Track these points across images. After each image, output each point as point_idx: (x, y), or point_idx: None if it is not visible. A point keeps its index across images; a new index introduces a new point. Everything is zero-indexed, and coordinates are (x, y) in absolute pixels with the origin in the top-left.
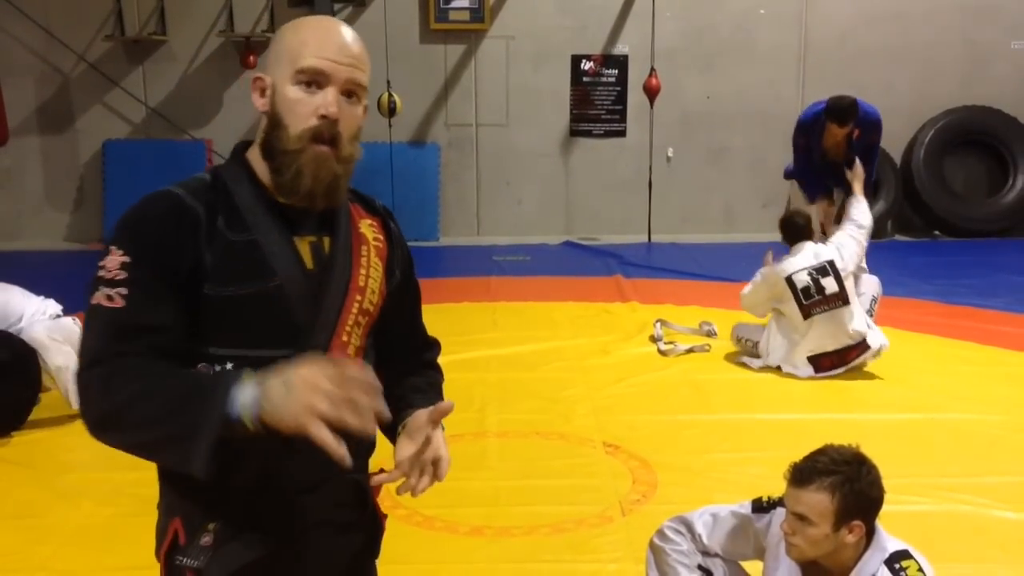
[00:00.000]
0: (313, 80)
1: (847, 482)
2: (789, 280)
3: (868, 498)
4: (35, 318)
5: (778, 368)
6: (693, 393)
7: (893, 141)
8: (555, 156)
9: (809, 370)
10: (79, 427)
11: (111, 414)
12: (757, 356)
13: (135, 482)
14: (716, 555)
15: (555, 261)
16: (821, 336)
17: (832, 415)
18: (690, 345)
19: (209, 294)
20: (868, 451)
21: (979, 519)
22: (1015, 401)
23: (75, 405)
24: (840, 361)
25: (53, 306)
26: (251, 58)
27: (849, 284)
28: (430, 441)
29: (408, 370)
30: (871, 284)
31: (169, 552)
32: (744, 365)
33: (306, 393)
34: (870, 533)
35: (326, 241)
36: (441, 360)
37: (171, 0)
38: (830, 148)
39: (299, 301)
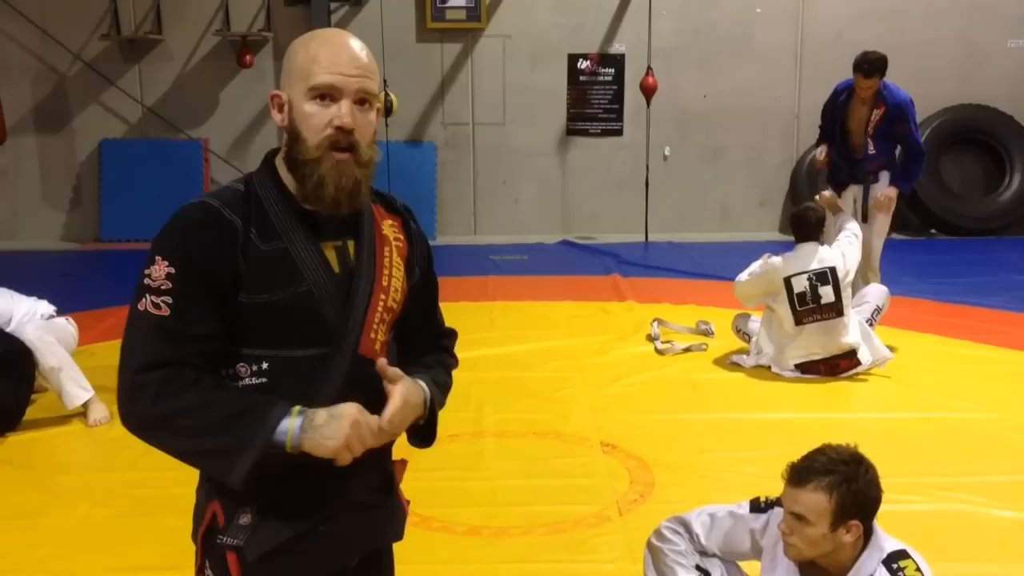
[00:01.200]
0: (327, 94)
1: (845, 482)
2: (787, 281)
3: (866, 498)
4: (24, 319)
5: (768, 367)
6: (690, 392)
7: None
8: (552, 155)
9: (796, 373)
10: (75, 428)
11: (162, 419)
12: (747, 353)
13: (131, 483)
14: (714, 555)
15: (552, 260)
16: (810, 345)
17: (829, 414)
18: (687, 344)
19: (244, 301)
20: (865, 450)
21: (976, 518)
22: (1012, 400)
23: (74, 403)
24: (829, 371)
25: (46, 307)
26: (247, 57)
27: (846, 295)
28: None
29: (424, 354)
30: (877, 294)
31: (207, 533)
32: (737, 365)
33: (350, 425)
34: (868, 533)
35: (351, 245)
36: None
37: None
38: (854, 126)
39: (328, 304)
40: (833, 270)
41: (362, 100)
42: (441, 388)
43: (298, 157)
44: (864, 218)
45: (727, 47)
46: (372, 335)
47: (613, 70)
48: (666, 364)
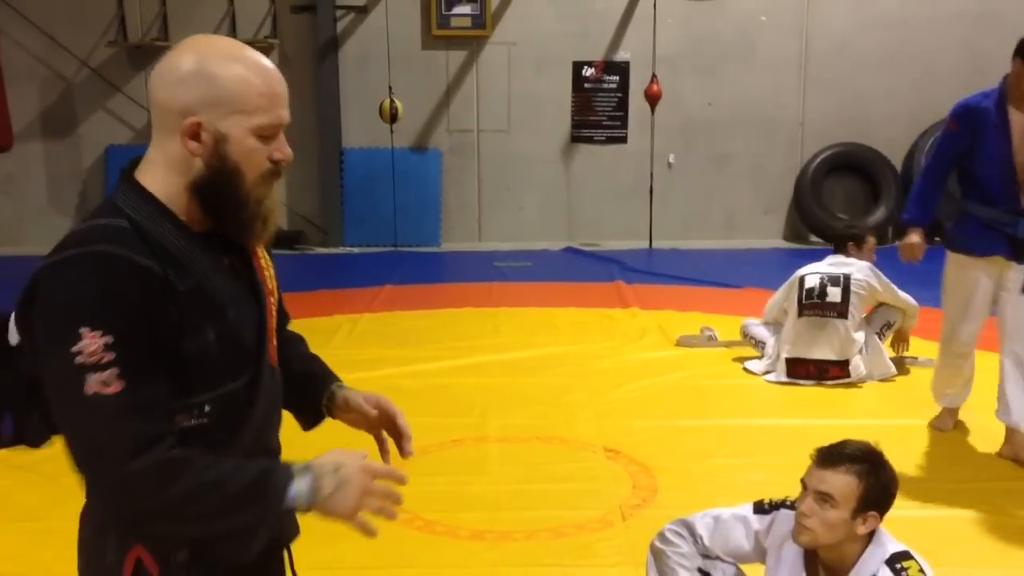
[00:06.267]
0: (275, 133)
1: (873, 471)
2: (801, 279)
3: (888, 492)
4: None
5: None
6: (694, 398)
7: (894, 148)
8: (556, 162)
9: (783, 375)
10: None
11: (168, 510)
12: (758, 357)
13: None
14: (717, 558)
15: (556, 267)
16: (804, 340)
17: (832, 420)
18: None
19: (185, 350)
20: None
21: (979, 524)
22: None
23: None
24: (818, 374)
25: None
26: None
27: (856, 302)
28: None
29: (286, 337)
30: (891, 311)
31: None
32: (748, 371)
33: (359, 495)
34: (872, 532)
35: (235, 260)
36: (444, 365)
37: (173, 6)
38: (1018, 144)
39: (247, 330)
40: (847, 276)
41: None
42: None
43: (230, 192)
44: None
45: (732, 55)
46: (273, 342)
47: (618, 78)
48: (670, 370)
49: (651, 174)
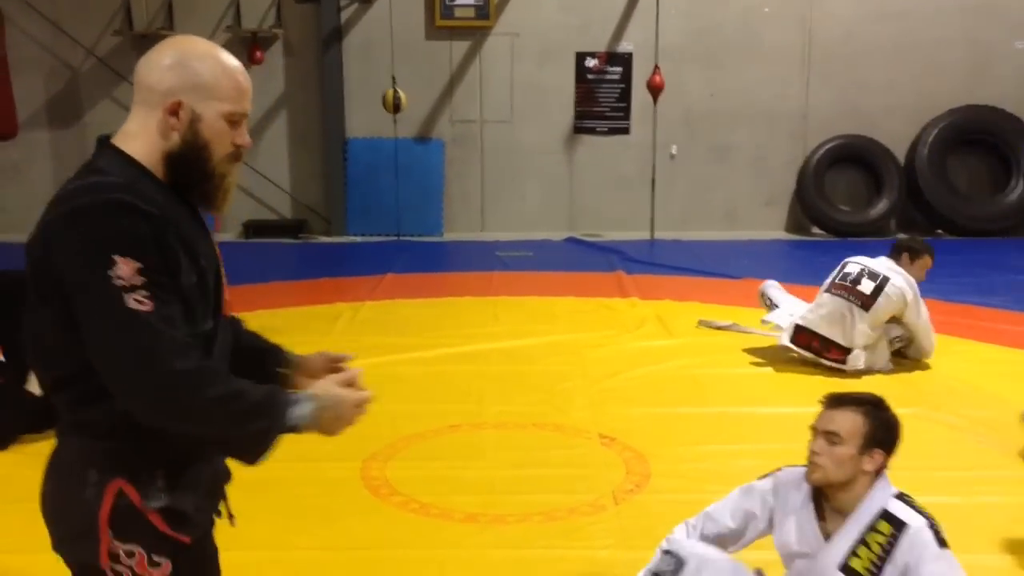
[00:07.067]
0: (239, 120)
1: (876, 411)
2: (844, 263)
3: (891, 431)
4: None
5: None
6: (689, 387)
7: (896, 140)
8: (559, 153)
9: (786, 339)
10: None
11: (201, 410)
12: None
13: None
14: (712, 542)
15: (558, 257)
16: (821, 315)
17: None
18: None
19: (182, 284)
20: None
21: (968, 509)
22: (1009, 398)
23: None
24: (819, 347)
25: None
26: (258, 53)
27: (883, 303)
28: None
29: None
30: (919, 340)
31: (113, 513)
32: (766, 322)
33: (351, 416)
34: (878, 473)
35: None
36: (444, 353)
37: None
38: None
39: (211, 278)
40: (887, 279)
41: None
42: None
43: (197, 165)
44: None
45: (734, 46)
46: (227, 295)
47: (621, 69)
48: (666, 359)
49: (653, 165)
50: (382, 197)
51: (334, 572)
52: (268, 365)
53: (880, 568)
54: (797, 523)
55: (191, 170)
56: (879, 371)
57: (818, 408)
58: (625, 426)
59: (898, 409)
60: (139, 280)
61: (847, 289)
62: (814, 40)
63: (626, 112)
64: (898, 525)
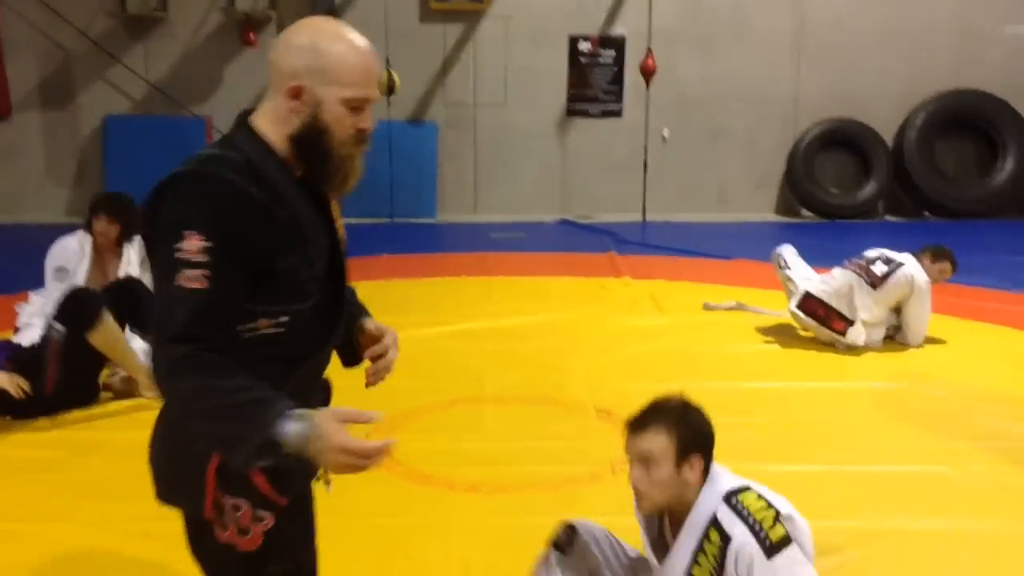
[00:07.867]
0: (362, 105)
1: (679, 418)
2: (869, 251)
3: (701, 431)
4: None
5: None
6: (685, 363)
7: (885, 124)
8: (552, 136)
9: (794, 304)
10: None
11: (177, 397)
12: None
13: (144, 440)
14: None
15: (551, 239)
16: (833, 287)
17: (818, 383)
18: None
19: (273, 267)
20: (852, 417)
21: (952, 478)
22: (993, 373)
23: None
24: (823, 315)
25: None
26: (251, 35)
27: (891, 288)
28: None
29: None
30: (910, 329)
31: (222, 469)
32: (784, 267)
33: (332, 460)
34: (707, 472)
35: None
36: (440, 331)
37: None
38: None
39: (320, 259)
40: (900, 264)
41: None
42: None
43: (320, 147)
44: None
45: (727, 30)
46: (347, 282)
47: (614, 52)
48: (661, 336)
49: (645, 148)
50: (375, 179)
51: (341, 538)
52: (348, 332)
53: None
54: (648, 538)
55: (312, 152)
56: (873, 345)
57: (812, 383)
58: (621, 400)
59: (885, 383)
60: (201, 258)
61: (861, 267)
62: (805, 25)
63: (619, 95)
64: (724, 538)
